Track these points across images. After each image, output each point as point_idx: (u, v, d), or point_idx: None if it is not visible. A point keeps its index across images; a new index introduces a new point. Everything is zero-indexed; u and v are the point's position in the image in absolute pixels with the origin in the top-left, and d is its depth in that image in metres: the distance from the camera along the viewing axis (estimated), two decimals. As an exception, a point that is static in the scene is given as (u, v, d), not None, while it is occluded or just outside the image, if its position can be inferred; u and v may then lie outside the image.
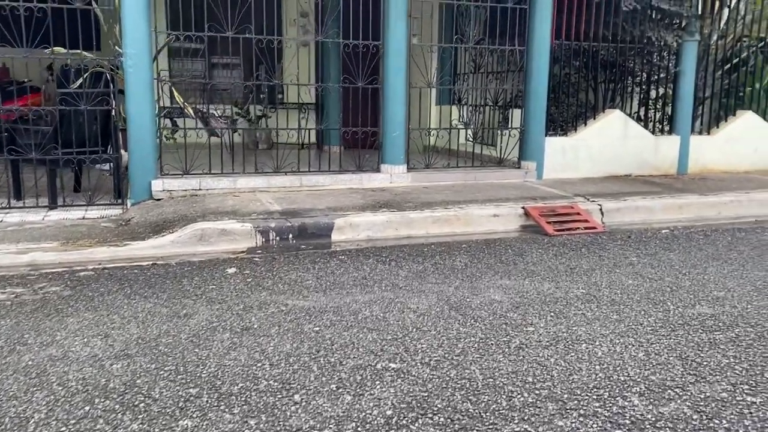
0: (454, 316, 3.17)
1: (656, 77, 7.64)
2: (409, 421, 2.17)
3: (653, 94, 7.79)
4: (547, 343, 2.85)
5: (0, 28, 4.82)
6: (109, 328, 2.97)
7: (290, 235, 4.65)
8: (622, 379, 2.50)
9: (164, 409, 2.22)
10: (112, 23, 5.67)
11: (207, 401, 2.28)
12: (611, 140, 7.19)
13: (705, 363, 2.66)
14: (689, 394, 2.39)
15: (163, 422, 2.13)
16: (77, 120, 5.25)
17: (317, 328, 2.99)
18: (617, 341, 2.89)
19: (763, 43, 8.02)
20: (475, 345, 2.82)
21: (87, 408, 2.22)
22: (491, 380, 2.48)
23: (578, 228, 5.21)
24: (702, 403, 2.31)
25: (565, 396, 2.35)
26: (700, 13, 7.44)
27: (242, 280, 3.75)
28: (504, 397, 2.34)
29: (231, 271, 3.94)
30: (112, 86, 5.39)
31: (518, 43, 6.71)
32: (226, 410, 2.22)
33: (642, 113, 7.71)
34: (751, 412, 2.25)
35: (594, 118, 7.26)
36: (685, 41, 7.34)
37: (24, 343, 2.78)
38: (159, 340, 2.83)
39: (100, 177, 6.37)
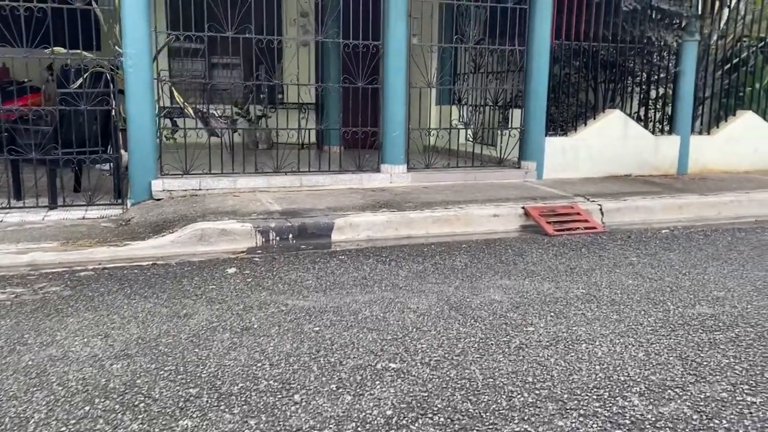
0: (454, 316, 3.17)
1: (656, 77, 7.64)
2: (409, 421, 2.17)
3: (653, 94, 7.79)
4: (547, 343, 2.85)
5: (0, 28, 4.82)
6: (109, 328, 2.97)
7: (290, 235, 4.65)
8: (622, 379, 2.50)
9: (164, 409, 2.22)
10: (112, 23, 5.67)
11: (207, 401, 2.28)
12: (611, 140, 7.19)
13: (705, 363, 2.66)
14: (689, 394, 2.39)
15: (163, 422, 2.13)
16: (77, 120, 5.25)
17: (317, 328, 2.99)
18: (617, 341, 2.89)
19: (763, 43, 8.02)
20: (475, 345, 2.82)
21: (87, 408, 2.22)
22: (491, 380, 2.48)
23: (578, 228, 5.21)
24: (702, 403, 2.31)
25: (565, 396, 2.35)
26: (700, 13, 7.44)
27: (242, 280, 3.75)
28: (504, 397, 2.34)
29: (231, 271, 3.94)
30: (112, 86, 5.39)
31: (518, 43, 6.71)
32: (226, 410, 2.22)
33: (642, 113, 7.71)
34: (751, 412, 2.25)
35: (594, 118, 7.26)
36: (685, 41, 7.34)
37: (24, 343, 2.78)
38: (159, 340, 2.83)
39: (100, 177, 6.37)
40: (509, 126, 7.18)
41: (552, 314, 3.23)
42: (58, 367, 2.54)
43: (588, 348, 2.81)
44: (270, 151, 7.67)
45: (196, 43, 7.53)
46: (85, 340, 2.82)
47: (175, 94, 6.17)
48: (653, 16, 7.31)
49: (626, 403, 2.30)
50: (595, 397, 2.35)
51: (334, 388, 2.39)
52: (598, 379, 2.50)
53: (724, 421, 2.19)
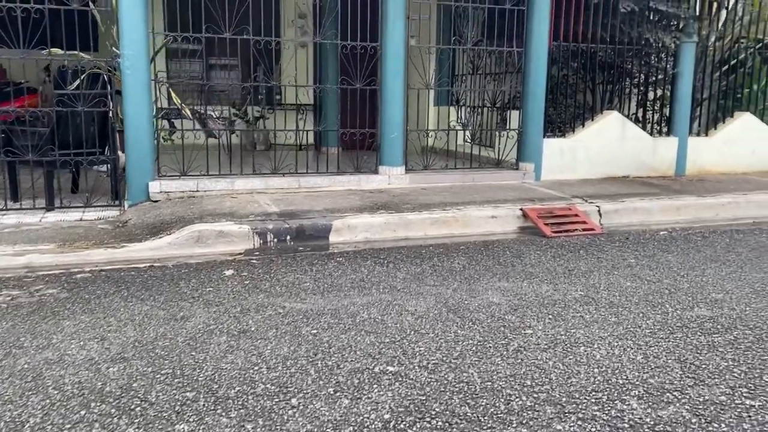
0: (452, 319, 3.16)
1: (654, 79, 7.65)
2: (407, 425, 2.16)
3: (651, 95, 7.80)
4: (546, 346, 2.84)
5: (-3, 30, 4.81)
6: (105, 330, 2.95)
7: (288, 237, 4.64)
8: (621, 382, 2.50)
9: (160, 413, 2.21)
10: (109, 24, 5.66)
11: (204, 405, 2.27)
12: (609, 141, 7.19)
13: (704, 366, 2.66)
14: (688, 397, 2.38)
15: (160, 426, 2.12)
16: (74, 121, 5.23)
17: (315, 331, 2.98)
18: (616, 344, 2.88)
19: (760, 44, 8.03)
20: (473, 348, 2.81)
21: (83, 412, 2.21)
22: (489, 383, 2.47)
23: (576, 229, 5.21)
24: (701, 407, 2.30)
25: (564, 399, 2.34)
26: (697, 14, 7.45)
27: (239, 282, 3.74)
28: (502, 400, 2.33)
29: (228, 273, 3.93)
30: (109, 87, 5.38)
31: (516, 45, 6.71)
32: (223, 414, 2.21)
33: (640, 115, 7.72)
34: (750, 416, 2.25)
35: (592, 120, 7.26)
36: (683, 43, 7.34)
37: (20, 346, 2.77)
38: (156, 343, 2.82)
39: (97, 178, 6.36)
40: (507, 127, 7.17)
41: (550, 317, 3.22)
42: (54, 371, 2.53)
43: (586, 351, 2.80)
44: (268, 152, 7.65)
45: (193, 44, 7.52)
46: (82, 343, 2.81)
47: (173, 95, 6.16)
48: (651, 18, 7.31)
49: (625, 407, 2.30)
50: (593, 400, 2.34)
51: (332, 392, 2.38)
52: (597, 382, 2.49)
53: (723, 425, 2.18)
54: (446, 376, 2.53)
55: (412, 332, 2.98)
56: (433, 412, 2.24)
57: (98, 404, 2.26)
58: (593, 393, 2.40)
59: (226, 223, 4.59)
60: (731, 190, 6.57)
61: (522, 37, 6.68)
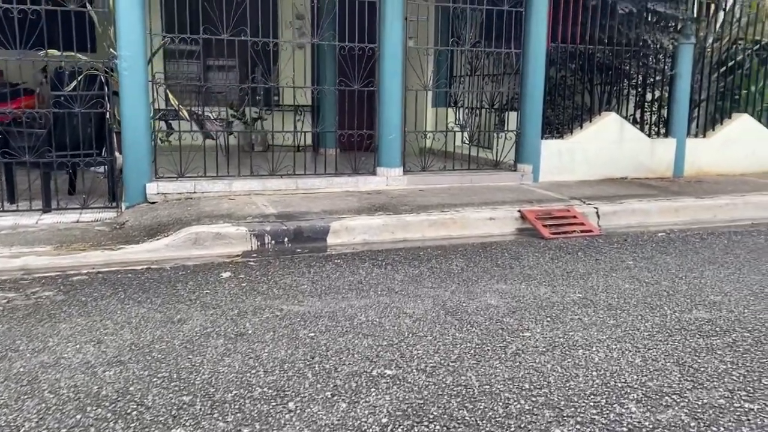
0: (451, 322, 3.15)
1: (652, 80, 7.65)
2: (405, 428, 2.15)
3: (649, 96, 7.80)
4: (544, 349, 2.83)
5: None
6: (102, 333, 2.94)
7: (286, 239, 4.63)
8: (619, 385, 2.49)
9: (157, 417, 2.19)
10: (106, 25, 5.64)
11: (200, 409, 2.26)
12: (607, 143, 7.19)
13: (702, 369, 2.65)
14: (687, 400, 2.37)
15: (156, 431, 2.11)
16: (71, 123, 5.21)
17: (312, 334, 2.97)
18: (614, 347, 2.88)
19: (758, 45, 8.04)
20: (472, 351, 2.80)
21: (78, 416, 2.19)
22: (487, 387, 2.46)
23: (574, 231, 5.20)
24: (699, 410, 2.30)
25: (562, 403, 2.34)
26: (695, 16, 7.45)
27: (237, 284, 3.73)
28: (500, 404, 2.33)
29: (226, 275, 3.91)
30: (106, 89, 5.36)
31: (514, 46, 6.71)
32: (220, 418, 2.20)
33: (638, 116, 7.72)
34: (749, 419, 2.24)
35: (590, 121, 7.26)
36: (681, 44, 7.35)
37: (15, 349, 2.75)
38: (152, 346, 2.81)
39: (94, 180, 6.34)
40: (505, 129, 7.17)
41: (548, 319, 3.22)
42: (50, 374, 2.51)
43: (585, 354, 2.79)
44: (266, 153, 7.63)
45: (191, 46, 7.48)
46: (78, 346, 2.79)
47: (170, 96, 6.14)
48: (649, 19, 7.31)
49: (623, 410, 2.29)
50: (592, 404, 2.33)
51: (329, 396, 2.37)
52: (595, 385, 2.48)
53: (722, 429, 2.17)
54: (444, 379, 2.52)
55: (410, 335, 2.97)
56: (431, 416, 2.23)
57: (94, 408, 2.25)
58: (592, 396, 2.39)
59: (223, 225, 4.57)
60: (729, 192, 6.57)
61: (520, 38, 6.68)
